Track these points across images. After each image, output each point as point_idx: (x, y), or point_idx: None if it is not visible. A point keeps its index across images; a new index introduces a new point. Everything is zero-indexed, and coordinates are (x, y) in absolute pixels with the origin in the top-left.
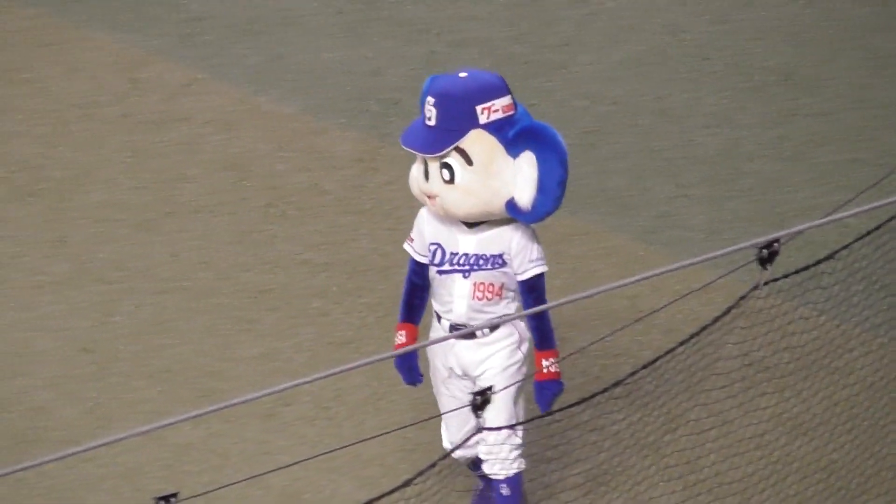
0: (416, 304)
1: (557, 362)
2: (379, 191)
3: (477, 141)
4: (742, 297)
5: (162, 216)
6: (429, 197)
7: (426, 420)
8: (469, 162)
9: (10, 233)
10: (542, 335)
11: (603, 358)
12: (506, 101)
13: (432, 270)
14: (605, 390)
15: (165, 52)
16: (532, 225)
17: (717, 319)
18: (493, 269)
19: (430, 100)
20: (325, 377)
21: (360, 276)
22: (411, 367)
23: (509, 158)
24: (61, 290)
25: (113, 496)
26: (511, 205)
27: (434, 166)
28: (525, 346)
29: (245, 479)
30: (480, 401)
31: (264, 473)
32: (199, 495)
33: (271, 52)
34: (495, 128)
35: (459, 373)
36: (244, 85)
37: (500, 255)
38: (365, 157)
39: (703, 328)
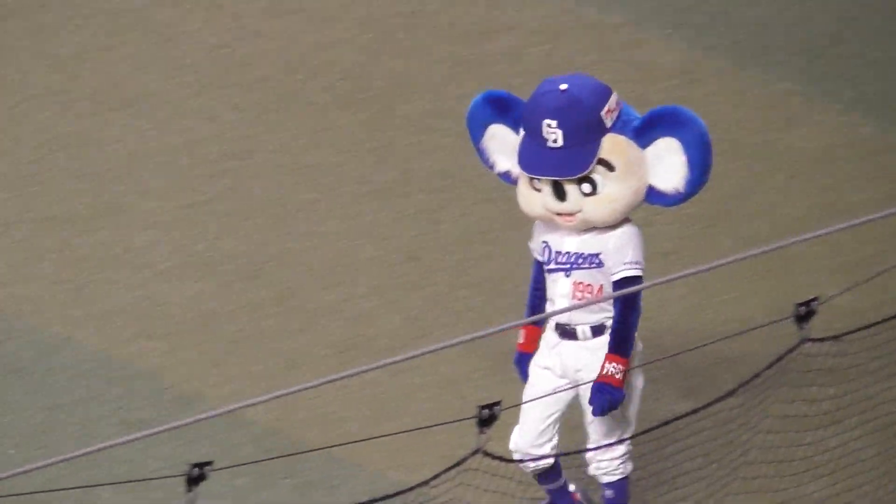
0: (537, 305)
1: (622, 371)
2: (702, 102)
3: (613, 146)
4: None
5: None
6: (563, 215)
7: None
8: (611, 169)
9: (335, 141)
10: (618, 339)
11: None
12: (615, 97)
13: (545, 269)
14: None
15: None
16: (637, 229)
17: None
18: (591, 268)
19: (551, 122)
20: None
21: None
22: (526, 368)
23: (640, 150)
24: (386, 199)
25: (435, 404)
26: (654, 194)
27: (571, 184)
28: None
29: (567, 388)
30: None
31: (584, 384)
32: (522, 403)
33: None
34: (619, 127)
35: (559, 372)
36: None
37: (597, 255)
38: (688, 68)
39: None
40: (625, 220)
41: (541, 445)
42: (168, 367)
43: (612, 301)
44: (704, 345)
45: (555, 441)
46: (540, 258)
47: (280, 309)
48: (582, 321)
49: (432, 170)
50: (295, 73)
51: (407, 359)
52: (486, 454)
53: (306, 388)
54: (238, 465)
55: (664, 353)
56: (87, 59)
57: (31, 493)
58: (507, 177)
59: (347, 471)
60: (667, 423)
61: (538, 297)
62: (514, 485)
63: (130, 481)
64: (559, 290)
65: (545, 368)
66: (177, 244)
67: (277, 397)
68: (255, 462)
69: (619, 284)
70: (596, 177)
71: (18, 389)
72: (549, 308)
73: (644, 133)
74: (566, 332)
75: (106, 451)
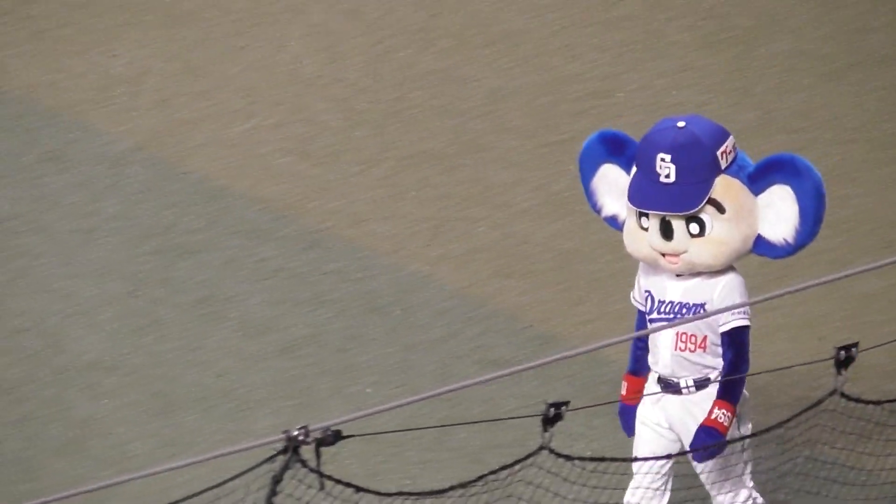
0: (640, 355)
1: (730, 419)
2: None
3: (726, 187)
4: None
5: (847, 66)
6: (667, 255)
7: None
8: (721, 210)
9: (696, 81)
10: (728, 387)
11: None
12: (731, 140)
13: (648, 318)
14: None
15: None
16: (740, 276)
17: None
18: None
19: (665, 156)
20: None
21: None
22: (630, 421)
23: (752, 197)
24: (746, 139)
25: (793, 344)
26: (762, 244)
27: (679, 223)
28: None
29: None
30: None
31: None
32: (880, 345)
33: None
34: (734, 170)
35: (666, 426)
36: None
37: (703, 305)
38: None
39: None
40: (730, 269)
41: (652, 499)
42: (527, 306)
43: (716, 352)
44: None
45: (668, 495)
46: (642, 308)
47: None
48: (685, 374)
49: (793, 110)
50: (658, 13)
51: (764, 300)
52: (843, 395)
53: (664, 329)
54: (595, 406)
55: None
56: None
57: (389, 431)
58: (613, 221)
59: None
60: None
61: (640, 346)
62: (871, 426)
63: (487, 420)
64: (661, 340)
65: (651, 422)
66: (537, 183)
67: (633, 338)
68: (612, 402)
69: (728, 334)
70: (705, 217)
71: (378, 327)
72: (650, 360)
73: (759, 179)
74: (669, 386)
75: (463, 391)
